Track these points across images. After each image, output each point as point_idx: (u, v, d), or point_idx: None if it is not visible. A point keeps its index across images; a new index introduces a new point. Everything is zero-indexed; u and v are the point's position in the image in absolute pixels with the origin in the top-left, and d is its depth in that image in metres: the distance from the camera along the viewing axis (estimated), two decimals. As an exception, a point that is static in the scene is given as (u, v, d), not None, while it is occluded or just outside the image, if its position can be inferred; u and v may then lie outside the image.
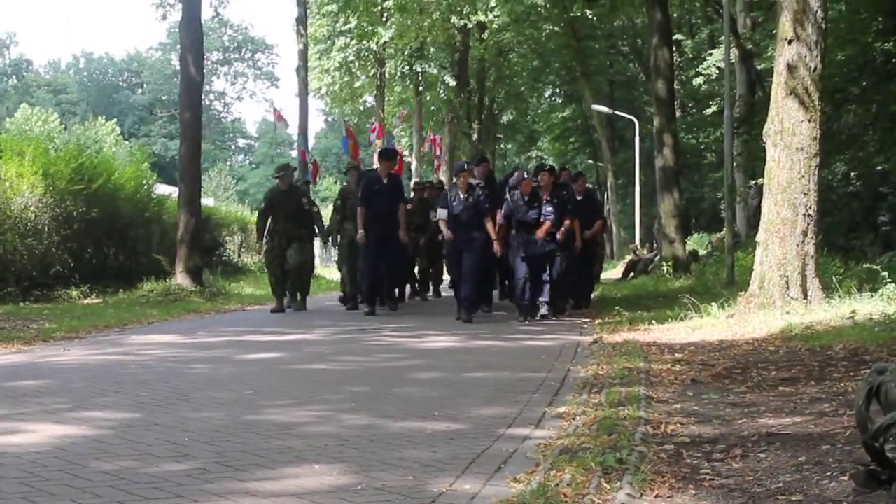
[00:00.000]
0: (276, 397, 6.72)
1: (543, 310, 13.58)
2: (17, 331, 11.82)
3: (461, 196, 13.77)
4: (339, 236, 16.23)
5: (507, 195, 13.76)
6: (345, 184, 17.63)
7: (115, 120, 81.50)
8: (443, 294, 18.69)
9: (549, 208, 13.50)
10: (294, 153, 28.52)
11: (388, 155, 15.53)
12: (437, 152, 37.40)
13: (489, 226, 13.66)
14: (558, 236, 13.66)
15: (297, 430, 5.54)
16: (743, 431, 5.39)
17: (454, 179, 14.99)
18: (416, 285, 18.70)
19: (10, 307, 15.17)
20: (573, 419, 5.87)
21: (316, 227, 15.82)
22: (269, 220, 15.42)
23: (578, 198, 15.36)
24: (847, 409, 5.59)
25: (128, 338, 11.40)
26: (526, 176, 14.16)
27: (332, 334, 11.65)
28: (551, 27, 38.36)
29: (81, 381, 7.51)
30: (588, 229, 15.37)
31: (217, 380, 7.72)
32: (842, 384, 6.74)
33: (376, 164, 16.06)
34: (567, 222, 13.97)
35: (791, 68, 11.43)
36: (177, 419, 5.86)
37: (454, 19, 34.38)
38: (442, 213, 14.05)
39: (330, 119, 58.89)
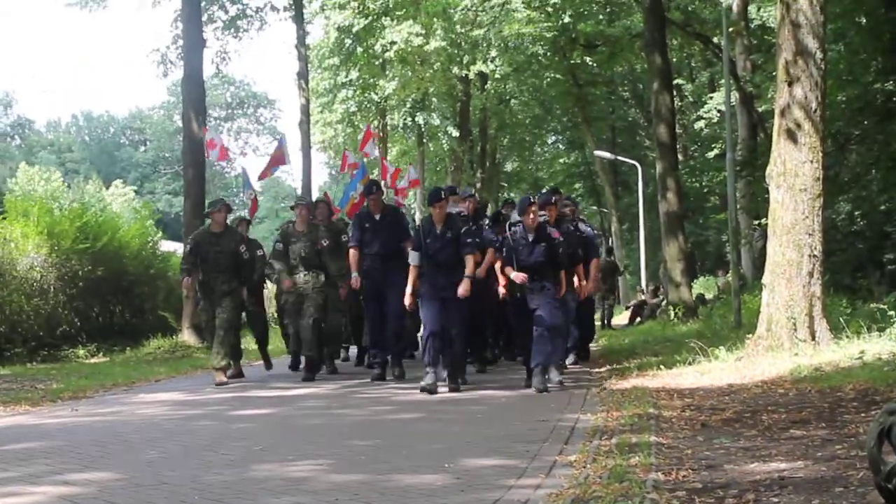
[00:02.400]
0: (286, 452, 6.69)
1: (554, 375, 11.07)
2: (24, 392, 11.80)
3: (437, 231, 11.01)
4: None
5: (508, 232, 11.23)
6: (288, 223, 13.73)
7: (134, 186, 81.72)
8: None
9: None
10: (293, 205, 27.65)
11: (367, 189, 12.86)
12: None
13: (470, 263, 10.81)
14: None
15: (307, 485, 5.51)
16: (755, 476, 5.35)
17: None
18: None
19: (17, 368, 15.19)
20: (584, 467, 5.83)
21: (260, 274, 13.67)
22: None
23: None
24: (859, 450, 5.56)
25: (135, 396, 11.38)
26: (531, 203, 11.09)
27: (338, 388, 11.59)
28: (552, 75, 38.56)
29: (90, 441, 7.49)
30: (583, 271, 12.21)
31: (225, 436, 7.69)
32: (853, 425, 6.70)
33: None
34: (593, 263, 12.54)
35: (791, 110, 11.45)
36: (186, 477, 5.83)
37: (455, 70, 34.63)
38: (414, 258, 11.03)
39: (333, 172, 58.85)
